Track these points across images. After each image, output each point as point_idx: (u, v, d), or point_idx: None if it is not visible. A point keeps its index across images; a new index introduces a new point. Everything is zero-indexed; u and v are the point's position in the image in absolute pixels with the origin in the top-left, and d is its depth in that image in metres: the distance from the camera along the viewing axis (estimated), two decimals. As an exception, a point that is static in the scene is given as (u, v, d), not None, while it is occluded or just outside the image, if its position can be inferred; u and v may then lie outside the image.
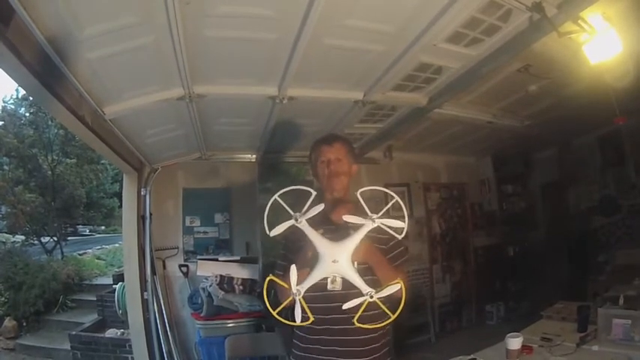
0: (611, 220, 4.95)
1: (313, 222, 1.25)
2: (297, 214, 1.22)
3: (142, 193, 3.91)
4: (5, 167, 8.82)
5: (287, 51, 2.06)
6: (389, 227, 1.23)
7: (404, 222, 1.23)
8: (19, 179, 8.52)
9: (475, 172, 5.87)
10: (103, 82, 2.16)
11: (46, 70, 1.76)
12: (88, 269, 7.76)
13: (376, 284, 1.28)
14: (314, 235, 1.26)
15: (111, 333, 5.03)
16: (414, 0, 1.76)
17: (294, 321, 1.23)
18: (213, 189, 4.42)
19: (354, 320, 1.25)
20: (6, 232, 8.82)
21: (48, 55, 1.71)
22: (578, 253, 5.03)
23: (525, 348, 1.95)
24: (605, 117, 3.30)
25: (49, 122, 8.47)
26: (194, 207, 4.35)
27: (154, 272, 3.88)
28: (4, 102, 9.77)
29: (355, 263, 1.27)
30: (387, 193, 1.34)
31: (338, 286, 1.39)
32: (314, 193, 1.25)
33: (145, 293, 3.80)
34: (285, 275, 1.24)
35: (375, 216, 1.22)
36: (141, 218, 3.89)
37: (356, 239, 1.25)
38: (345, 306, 1.25)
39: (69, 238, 9.57)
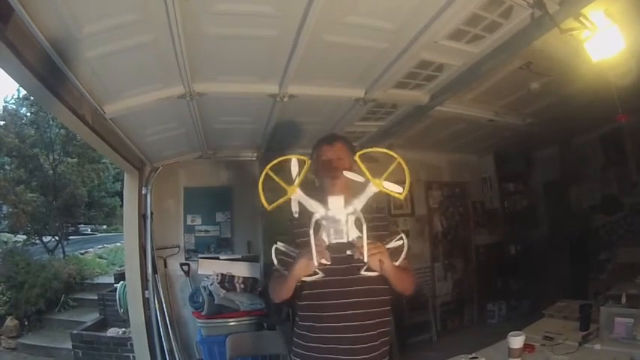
0: (612, 218, 4.94)
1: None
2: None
3: (143, 191, 3.91)
4: (7, 167, 8.80)
5: (287, 48, 2.06)
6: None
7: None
8: (20, 179, 8.51)
9: (477, 170, 5.86)
10: (103, 80, 2.16)
11: (46, 69, 1.76)
12: (89, 268, 7.76)
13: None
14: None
15: (112, 332, 5.03)
16: (414, -3, 1.75)
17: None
18: (214, 187, 4.43)
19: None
20: (7, 232, 8.80)
21: (48, 54, 1.71)
22: (579, 252, 5.01)
23: (527, 346, 1.94)
24: (607, 115, 3.28)
25: (51, 122, 8.45)
26: (195, 205, 4.36)
27: (155, 271, 3.88)
28: (5, 102, 9.75)
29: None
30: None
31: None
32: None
33: (147, 292, 3.80)
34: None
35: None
36: (142, 217, 3.89)
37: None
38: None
39: (70, 237, 9.56)
